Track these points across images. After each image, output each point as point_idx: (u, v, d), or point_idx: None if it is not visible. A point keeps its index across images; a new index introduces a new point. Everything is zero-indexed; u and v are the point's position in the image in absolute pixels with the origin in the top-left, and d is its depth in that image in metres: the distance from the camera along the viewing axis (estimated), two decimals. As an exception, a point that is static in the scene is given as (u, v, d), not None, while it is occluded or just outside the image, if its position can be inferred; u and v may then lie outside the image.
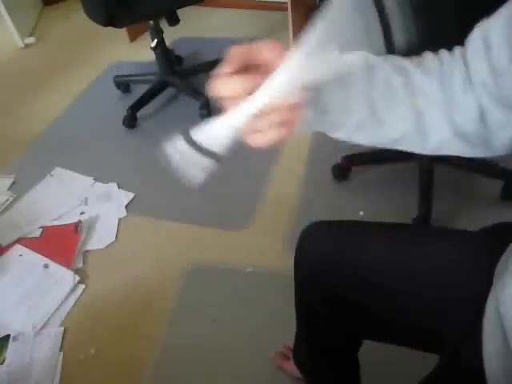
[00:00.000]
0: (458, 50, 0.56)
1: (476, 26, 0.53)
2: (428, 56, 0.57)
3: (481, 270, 0.63)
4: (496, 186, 1.54)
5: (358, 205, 1.61)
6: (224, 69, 0.50)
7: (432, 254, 0.71)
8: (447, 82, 0.54)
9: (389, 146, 0.59)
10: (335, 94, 0.54)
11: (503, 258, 0.60)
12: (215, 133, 0.51)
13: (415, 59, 0.57)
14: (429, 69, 0.55)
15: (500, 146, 0.56)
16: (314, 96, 0.53)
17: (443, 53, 0.57)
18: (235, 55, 0.50)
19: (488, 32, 0.51)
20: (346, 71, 0.53)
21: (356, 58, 0.53)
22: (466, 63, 0.54)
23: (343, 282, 0.76)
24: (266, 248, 1.54)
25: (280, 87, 0.46)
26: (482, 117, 0.54)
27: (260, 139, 0.51)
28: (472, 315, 0.59)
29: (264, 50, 0.49)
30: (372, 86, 0.54)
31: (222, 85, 0.50)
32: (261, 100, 0.47)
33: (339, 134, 0.58)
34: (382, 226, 0.80)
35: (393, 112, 0.55)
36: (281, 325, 1.30)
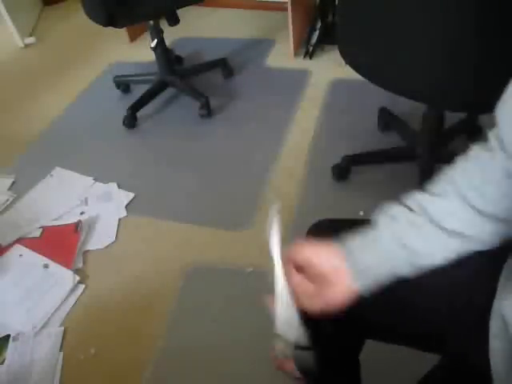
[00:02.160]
0: (476, 148, 0.62)
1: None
2: (439, 177, 0.65)
3: (487, 270, 0.63)
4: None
5: (358, 205, 1.61)
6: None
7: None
8: (466, 188, 0.60)
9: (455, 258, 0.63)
10: (371, 255, 0.63)
11: (506, 265, 0.60)
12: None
13: (427, 187, 0.65)
14: (441, 190, 0.63)
15: None
16: (353, 265, 0.63)
17: (455, 164, 0.64)
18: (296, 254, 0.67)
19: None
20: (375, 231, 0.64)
21: (381, 218, 0.65)
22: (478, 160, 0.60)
23: None
24: (266, 248, 1.53)
25: None
26: None
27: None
28: (479, 316, 0.59)
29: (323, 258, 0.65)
30: (400, 235, 0.62)
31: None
32: None
33: (407, 272, 0.64)
34: None
35: (431, 245, 0.62)
36: (281, 325, 1.30)
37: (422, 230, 0.61)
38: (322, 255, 0.65)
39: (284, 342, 0.67)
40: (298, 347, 0.66)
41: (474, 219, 0.60)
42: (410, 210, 0.63)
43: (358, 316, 0.78)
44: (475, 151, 0.62)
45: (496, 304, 0.56)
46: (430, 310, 0.70)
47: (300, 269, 0.67)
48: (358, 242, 0.65)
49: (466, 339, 0.64)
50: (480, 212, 0.59)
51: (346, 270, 0.63)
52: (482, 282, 0.62)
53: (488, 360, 0.55)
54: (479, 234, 0.61)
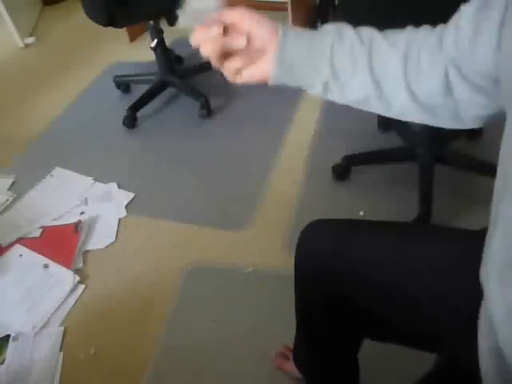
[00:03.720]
0: (440, 26, 0.61)
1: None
2: (406, 29, 0.62)
3: (477, 268, 0.63)
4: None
5: (357, 205, 1.61)
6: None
7: (431, 254, 0.71)
8: (413, 54, 0.59)
9: (356, 106, 0.65)
10: (302, 53, 0.61)
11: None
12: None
13: (392, 31, 0.62)
14: (396, 41, 0.61)
15: (469, 120, 0.61)
16: (282, 48, 0.61)
17: (423, 27, 0.62)
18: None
19: (460, 15, 0.56)
20: (317, 36, 0.62)
21: (330, 27, 0.63)
22: (441, 38, 0.59)
23: (343, 281, 0.76)
24: (266, 248, 1.54)
25: None
26: (448, 91, 0.58)
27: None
28: (469, 315, 0.59)
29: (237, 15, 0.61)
30: (337, 52, 0.61)
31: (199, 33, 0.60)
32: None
33: (312, 92, 0.65)
34: (382, 224, 0.80)
35: (353, 78, 0.61)
36: (281, 325, 1.30)
37: (355, 59, 0.61)
38: (260, 24, 0.62)
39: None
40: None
41: (398, 80, 0.60)
42: (360, 36, 0.62)
43: (352, 310, 0.78)
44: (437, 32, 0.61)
45: (483, 304, 0.56)
46: (410, 296, 0.70)
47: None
48: (296, 33, 0.62)
49: (457, 339, 0.64)
50: (406, 80, 0.60)
51: (273, 53, 0.61)
52: (472, 282, 0.62)
53: (477, 360, 0.55)
54: (392, 96, 0.62)
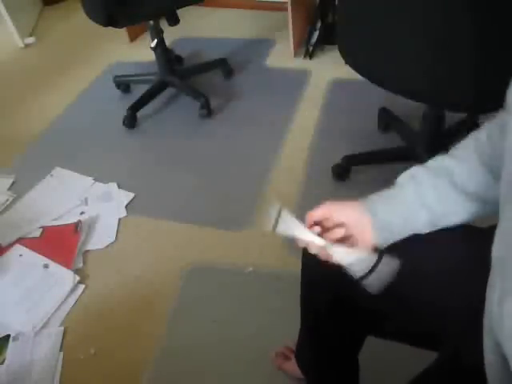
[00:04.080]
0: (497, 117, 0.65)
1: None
2: (464, 141, 0.68)
3: (481, 267, 0.63)
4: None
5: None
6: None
7: (435, 252, 0.71)
8: (488, 153, 0.64)
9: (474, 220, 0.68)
10: (393, 212, 0.68)
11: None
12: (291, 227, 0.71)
13: (451, 150, 0.69)
14: (464, 155, 0.66)
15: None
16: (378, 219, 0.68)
17: (481, 129, 0.68)
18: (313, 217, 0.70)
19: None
20: (397, 190, 0.69)
21: (405, 179, 0.69)
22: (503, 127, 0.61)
23: (347, 280, 0.76)
24: (266, 248, 1.54)
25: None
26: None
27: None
28: (473, 312, 0.59)
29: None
30: (422, 195, 0.66)
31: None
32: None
33: (425, 231, 0.69)
34: None
35: (450, 205, 0.66)
36: (281, 325, 1.30)
37: (442, 191, 0.65)
38: (345, 210, 0.70)
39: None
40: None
41: (493, 183, 0.62)
42: (432, 171, 0.66)
43: (357, 307, 0.78)
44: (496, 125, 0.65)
45: (488, 301, 0.56)
46: (413, 295, 0.71)
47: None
48: (380, 200, 0.69)
49: (462, 336, 0.64)
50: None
51: (370, 227, 0.67)
52: (477, 280, 0.62)
53: (482, 358, 0.55)
54: (496, 197, 0.62)
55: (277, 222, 0.69)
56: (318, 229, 0.69)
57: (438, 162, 0.68)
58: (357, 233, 0.68)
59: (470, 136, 0.68)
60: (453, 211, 0.66)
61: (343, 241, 0.69)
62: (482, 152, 0.65)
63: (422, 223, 0.67)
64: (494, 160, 0.64)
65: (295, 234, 0.69)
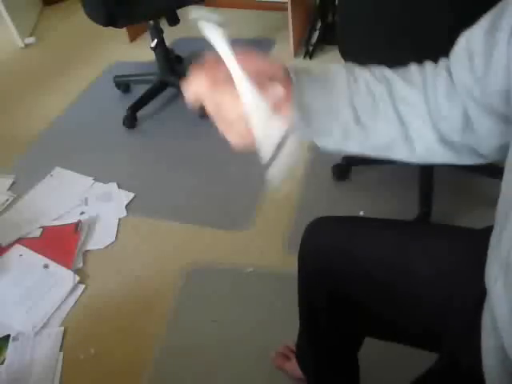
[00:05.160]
0: (442, 60, 0.58)
1: (459, 36, 0.55)
2: (412, 67, 0.59)
3: (480, 268, 0.63)
4: (496, 185, 1.54)
5: (358, 205, 1.61)
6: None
7: (432, 253, 0.71)
8: (431, 92, 0.56)
9: (377, 154, 0.60)
10: (319, 96, 0.56)
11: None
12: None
13: (399, 70, 0.59)
14: (412, 79, 0.58)
15: (488, 153, 0.59)
16: (298, 94, 0.55)
17: (427, 64, 0.59)
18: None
19: (470, 42, 0.53)
20: (330, 77, 0.57)
21: (340, 67, 0.58)
22: (450, 73, 0.56)
23: (345, 278, 0.76)
24: (266, 248, 1.54)
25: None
26: (468, 125, 0.56)
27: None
28: (472, 313, 0.59)
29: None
30: (354, 93, 0.57)
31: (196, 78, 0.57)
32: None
33: (328, 143, 0.60)
34: (384, 222, 0.80)
35: (376, 119, 0.57)
36: (281, 325, 1.30)
37: (375, 98, 0.57)
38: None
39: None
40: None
41: (424, 121, 0.57)
42: (373, 75, 0.58)
43: (355, 308, 0.78)
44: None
45: (487, 303, 0.56)
46: (410, 295, 0.70)
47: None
48: (309, 77, 0.57)
49: (459, 339, 0.64)
50: (431, 119, 0.57)
51: (291, 98, 0.55)
52: (474, 281, 0.62)
53: (480, 359, 0.55)
54: (418, 138, 0.58)
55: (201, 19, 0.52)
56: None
57: (380, 69, 0.59)
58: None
59: (413, 65, 0.59)
60: (376, 128, 0.57)
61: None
62: (426, 85, 0.58)
63: (338, 124, 0.57)
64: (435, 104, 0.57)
65: (214, 43, 0.53)
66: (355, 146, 0.60)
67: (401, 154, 0.60)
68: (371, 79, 0.58)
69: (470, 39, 0.53)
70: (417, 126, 0.57)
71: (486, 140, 0.57)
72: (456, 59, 0.55)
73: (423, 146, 0.58)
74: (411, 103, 0.57)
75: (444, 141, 0.58)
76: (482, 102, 0.54)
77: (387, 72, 0.59)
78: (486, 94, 0.53)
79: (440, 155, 0.59)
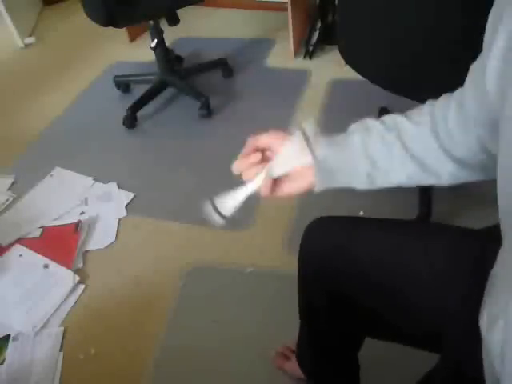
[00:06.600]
0: (453, 93, 0.62)
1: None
2: (425, 106, 0.66)
3: (480, 268, 0.63)
4: (496, 185, 1.54)
5: (357, 205, 1.61)
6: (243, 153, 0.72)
7: (432, 254, 0.71)
8: (441, 127, 0.62)
9: (408, 185, 0.68)
10: (337, 157, 0.68)
11: (493, 271, 0.60)
12: (233, 201, 0.75)
13: (411, 112, 0.66)
14: (420, 120, 0.64)
15: None
16: (320, 161, 0.68)
17: (441, 97, 0.65)
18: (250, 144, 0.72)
19: (484, 73, 0.51)
20: (346, 139, 0.68)
21: (354, 127, 0.69)
22: (460, 104, 0.59)
23: (344, 279, 0.76)
24: (266, 248, 1.54)
25: (281, 165, 0.69)
26: (484, 147, 0.59)
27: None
28: (471, 316, 0.59)
29: (268, 139, 0.71)
30: (368, 143, 0.65)
31: (241, 162, 0.73)
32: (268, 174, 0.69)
33: (361, 186, 0.72)
34: (384, 222, 0.80)
35: (392, 162, 0.65)
36: (281, 325, 1.30)
37: (388, 145, 0.65)
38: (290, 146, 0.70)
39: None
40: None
41: (438, 154, 0.62)
42: (384, 124, 0.66)
43: (354, 308, 0.78)
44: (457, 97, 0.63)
45: (484, 305, 0.56)
46: (410, 295, 0.71)
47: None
48: (326, 143, 0.70)
49: (459, 340, 0.64)
50: (445, 151, 0.62)
51: (311, 166, 0.69)
52: (474, 282, 0.62)
53: (481, 360, 0.55)
54: (438, 168, 0.64)
55: (218, 211, 0.72)
56: (259, 156, 0.71)
57: (392, 117, 0.67)
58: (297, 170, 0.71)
59: (427, 102, 0.67)
60: (393, 168, 0.66)
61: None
62: (435, 121, 0.64)
63: (361, 174, 0.68)
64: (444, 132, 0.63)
65: (241, 199, 0.73)
66: (383, 184, 0.69)
67: (428, 181, 0.66)
68: (383, 129, 0.65)
69: (483, 73, 0.51)
70: (433, 159, 0.63)
71: None
72: (466, 91, 0.59)
73: (446, 172, 0.64)
74: (421, 141, 0.63)
75: (465, 165, 0.62)
76: (494, 130, 0.54)
77: (398, 118, 0.66)
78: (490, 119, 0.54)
79: (469, 176, 0.64)
